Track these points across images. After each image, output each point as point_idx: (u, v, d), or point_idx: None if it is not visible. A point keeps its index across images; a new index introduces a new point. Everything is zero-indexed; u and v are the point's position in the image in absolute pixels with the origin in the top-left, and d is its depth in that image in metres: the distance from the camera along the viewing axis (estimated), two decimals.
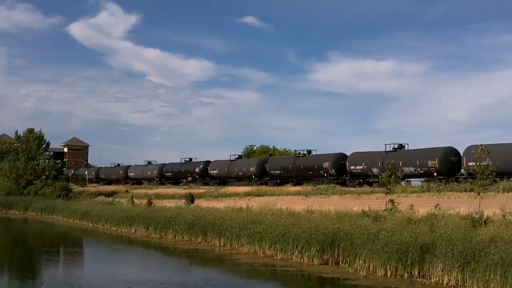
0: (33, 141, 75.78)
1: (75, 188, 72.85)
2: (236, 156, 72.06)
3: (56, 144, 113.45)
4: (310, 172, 55.37)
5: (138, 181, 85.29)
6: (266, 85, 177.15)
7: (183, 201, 42.48)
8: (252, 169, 62.95)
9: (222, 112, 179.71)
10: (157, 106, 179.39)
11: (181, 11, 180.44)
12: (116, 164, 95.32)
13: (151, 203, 43.18)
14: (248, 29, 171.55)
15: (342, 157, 53.46)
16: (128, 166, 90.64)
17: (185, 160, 78.06)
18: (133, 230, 36.05)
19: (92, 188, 76.48)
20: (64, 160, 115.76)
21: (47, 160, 76.98)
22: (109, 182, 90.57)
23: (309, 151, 59.90)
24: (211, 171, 70.60)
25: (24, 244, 35.56)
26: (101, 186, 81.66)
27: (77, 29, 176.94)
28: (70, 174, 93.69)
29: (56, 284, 18.65)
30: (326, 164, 53.40)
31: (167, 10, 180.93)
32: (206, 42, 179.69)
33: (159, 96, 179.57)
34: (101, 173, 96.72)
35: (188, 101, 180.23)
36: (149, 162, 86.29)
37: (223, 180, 68.50)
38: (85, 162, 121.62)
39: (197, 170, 72.66)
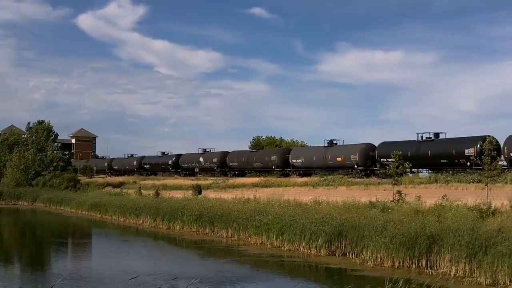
0: (42, 132, 76.30)
1: (83, 179, 73.21)
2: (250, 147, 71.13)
3: (63, 135, 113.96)
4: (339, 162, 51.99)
5: (153, 172, 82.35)
6: (274, 76, 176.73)
7: (191, 192, 42.64)
8: (274, 159, 59.45)
9: (230, 103, 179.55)
10: (165, 97, 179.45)
11: (189, 2, 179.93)
12: (129, 155, 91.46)
13: (159, 194, 43.39)
14: (256, 20, 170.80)
15: (370, 147, 50.04)
16: (143, 157, 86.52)
17: (203, 150, 73.76)
18: (141, 221, 36.25)
19: (100, 179, 76.79)
20: (72, 151, 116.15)
21: (55, 152, 77.42)
22: (123, 173, 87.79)
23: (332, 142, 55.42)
24: (230, 163, 66.99)
25: (33, 236, 35.81)
26: (109, 177, 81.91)
27: (85, 21, 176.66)
28: (81, 166, 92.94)
29: (66, 276, 18.78)
30: (354, 156, 50.01)
31: (175, 2, 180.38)
32: (214, 33, 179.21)
33: (167, 88, 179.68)
34: (114, 164, 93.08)
35: (196, 92, 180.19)
36: (163, 153, 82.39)
37: (242, 172, 65.23)
38: (92, 153, 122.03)
39: (214, 160, 69.21)
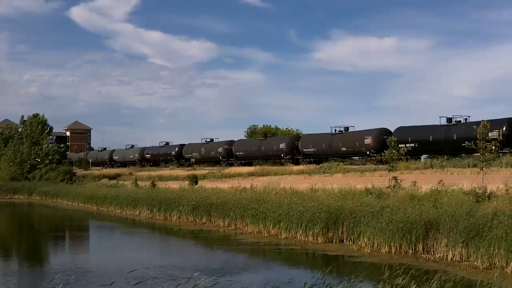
0: (37, 126, 76.13)
1: (79, 171, 73.09)
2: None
3: (58, 128, 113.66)
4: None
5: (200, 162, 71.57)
6: (269, 65, 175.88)
7: (187, 183, 42.63)
8: (368, 142, 48.87)
9: (226, 93, 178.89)
10: (161, 88, 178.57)
11: None
12: (165, 143, 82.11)
13: (155, 185, 43.37)
14: (250, 9, 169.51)
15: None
16: (183, 145, 76.26)
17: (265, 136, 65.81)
18: (138, 212, 36.28)
19: (96, 171, 76.66)
20: (67, 144, 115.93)
21: (50, 145, 77.25)
22: (157, 163, 79.57)
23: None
24: (303, 148, 55.60)
25: (30, 229, 35.72)
26: (105, 169, 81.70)
27: (78, 13, 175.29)
28: (105, 158, 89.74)
29: (65, 270, 18.74)
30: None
31: None
32: (208, 23, 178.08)
33: (162, 78, 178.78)
34: (146, 152, 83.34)
35: (192, 83, 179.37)
36: (211, 140, 73.28)
37: (319, 159, 53.84)
38: (87, 146, 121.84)
39: (281, 146, 59.18)
